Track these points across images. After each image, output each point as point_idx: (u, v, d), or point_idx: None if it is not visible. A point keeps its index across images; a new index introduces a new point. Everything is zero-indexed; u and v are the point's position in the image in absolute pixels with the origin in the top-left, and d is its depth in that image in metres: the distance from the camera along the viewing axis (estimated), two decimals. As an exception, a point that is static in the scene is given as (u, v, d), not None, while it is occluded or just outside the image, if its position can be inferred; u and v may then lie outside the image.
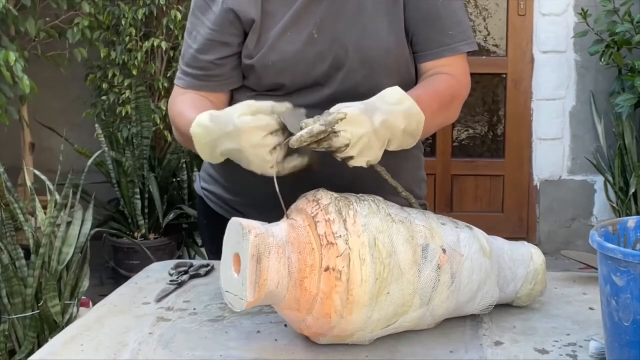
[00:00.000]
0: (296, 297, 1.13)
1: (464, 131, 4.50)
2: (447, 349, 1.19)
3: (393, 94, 1.27)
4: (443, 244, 1.21)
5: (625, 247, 1.11)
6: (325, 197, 1.18)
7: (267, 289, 1.11)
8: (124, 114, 3.70)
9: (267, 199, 1.24)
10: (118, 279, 3.53)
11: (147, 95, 3.71)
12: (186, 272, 1.51)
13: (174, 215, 3.74)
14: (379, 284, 1.13)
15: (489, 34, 4.41)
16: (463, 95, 1.48)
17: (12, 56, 3.04)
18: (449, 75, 1.45)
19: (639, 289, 0.97)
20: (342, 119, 1.18)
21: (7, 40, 3.27)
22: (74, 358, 1.18)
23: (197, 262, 1.57)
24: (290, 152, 1.22)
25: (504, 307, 1.33)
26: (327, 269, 1.12)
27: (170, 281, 1.48)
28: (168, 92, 3.62)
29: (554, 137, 4.31)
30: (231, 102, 1.49)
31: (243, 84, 1.48)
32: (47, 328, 2.62)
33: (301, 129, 1.18)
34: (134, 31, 3.68)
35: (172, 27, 3.66)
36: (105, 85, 3.78)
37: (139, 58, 3.66)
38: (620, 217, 3.72)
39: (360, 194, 1.22)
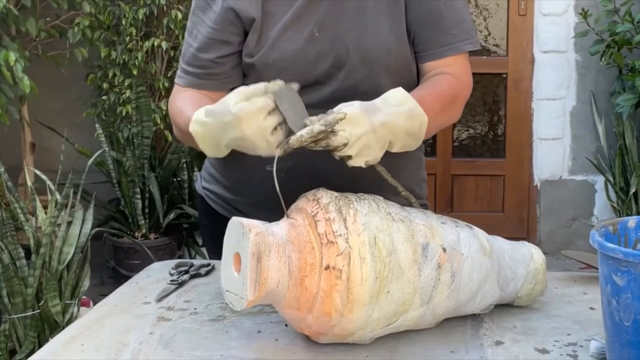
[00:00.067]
0: (296, 296, 1.13)
1: (464, 131, 4.50)
2: (448, 348, 1.19)
3: (396, 95, 1.27)
4: (443, 242, 1.21)
5: (625, 246, 1.11)
6: (325, 196, 1.18)
7: (267, 288, 1.11)
8: (124, 113, 3.70)
9: (268, 198, 1.24)
10: (118, 279, 3.53)
11: (148, 94, 3.71)
12: (186, 272, 1.51)
13: (174, 214, 3.75)
14: (379, 282, 1.13)
15: (489, 34, 4.41)
16: (465, 95, 1.48)
17: (12, 56, 3.04)
18: (451, 75, 1.44)
19: (639, 289, 0.97)
20: (341, 119, 1.18)
21: (8, 39, 3.27)
22: (74, 358, 1.18)
23: (198, 261, 1.57)
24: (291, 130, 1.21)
25: (504, 307, 1.33)
26: (327, 268, 1.12)
27: (171, 281, 1.48)
28: (168, 91, 3.62)
29: (554, 137, 4.31)
30: None
31: (243, 82, 1.48)
32: (47, 328, 2.62)
33: (304, 125, 1.18)
34: (134, 31, 3.68)
35: (172, 26, 3.66)
36: (105, 85, 3.78)
37: (139, 58, 3.66)
38: (620, 216, 3.72)
39: (360, 193, 1.22)
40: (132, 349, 1.20)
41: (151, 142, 3.75)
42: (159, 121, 3.71)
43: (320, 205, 1.16)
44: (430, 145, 4.40)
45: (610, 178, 4.01)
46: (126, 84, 3.72)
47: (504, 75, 4.38)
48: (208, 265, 1.54)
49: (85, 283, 2.72)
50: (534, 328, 1.27)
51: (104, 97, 3.80)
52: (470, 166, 4.47)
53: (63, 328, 1.97)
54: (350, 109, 1.21)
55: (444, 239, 1.22)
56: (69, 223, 2.72)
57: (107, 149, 3.61)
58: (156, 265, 1.61)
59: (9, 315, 2.61)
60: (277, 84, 1.21)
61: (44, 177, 2.85)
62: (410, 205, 1.32)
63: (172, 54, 3.78)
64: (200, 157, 3.77)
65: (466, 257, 1.22)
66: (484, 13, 4.40)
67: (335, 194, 1.19)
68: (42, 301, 2.56)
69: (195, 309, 1.35)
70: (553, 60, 4.26)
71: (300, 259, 1.13)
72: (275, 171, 1.18)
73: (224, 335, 1.24)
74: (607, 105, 4.12)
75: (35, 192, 2.84)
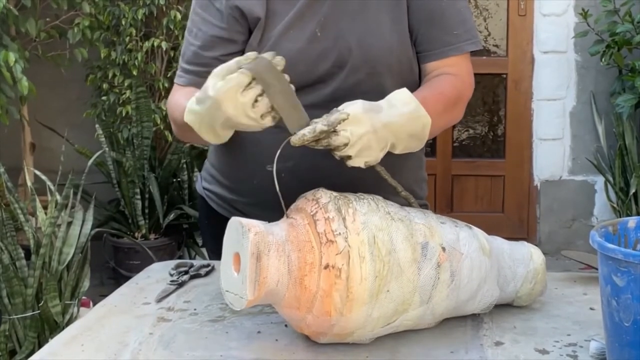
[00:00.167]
0: (296, 295, 1.13)
1: (464, 131, 4.50)
2: (448, 349, 1.19)
3: (399, 96, 1.27)
4: (442, 242, 1.21)
5: (625, 247, 1.11)
6: (324, 195, 1.18)
7: (266, 287, 1.11)
8: (124, 114, 3.70)
9: (268, 198, 1.24)
10: (118, 279, 3.53)
11: (147, 95, 3.71)
12: (186, 272, 1.51)
13: (174, 215, 3.75)
14: (379, 281, 1.13)
15: (489, 34, 4.40)
16: (467, 95, 1.48)
17: (12, 56, 3.04)
18: (453, 75, 1.44)
19: (639, 289, 0.97)
20: (344, 120, 1.18)
21: (8, 40, 3.27)
22: (75, 358, 1.18)
23: (198, 262, 1.57)
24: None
25: (504, 307, 1.33)
26: (326, 267, 1.12)
27: (171, 281, 1.48)
28: (168, 92, 3.58)
29: (554, 137, 4.31)
30: None
31: None
32: (47, 328, 2.62)
33: (304, 125, 1.18)
34: (134, 31, 3.68)
35: (172, 27, 3.66)
36: (105, 85, 3.78)
37: (139, 58, 3.66)
38: (620, 217, 3.72)
39: (359, 193, 1.22)
40: (132, 349, 1.20)
41: (151, 142, 3.75)
42: (159, 121, 3.71)
43: (319, 205, 1.16)
44: (430, 146, 4.40)
45: (610, 178, 4.01)
46: (126, 84, 3.72)
47: (504, 76, 4.38)
48: (208, 265, 1.54)
49: (85, 283, 2.72)
50: (534, 328, 1.27)
51: (104, 98, 3.80)
52: (470, 166, 4.47)
53: (63, 328, 1.97)
54: (353, 108, 1.21)
55: (444, 238, 1.22)
56: (69, 223, 2.72)
57: (107, 149, 3.61)
58: (156, 266, 1.61)
59: (9, 316, 2.61)
60: (249, 57, 1.18)
61: (44, 177, 2.85)
62: (410, 205, 1.32)
63: (172, 54, 3.78)
64: (200, 157, 3.77)
65: (465, 256, 1.23)
66: (484, 13, 4.40)
67: (335, 193, 1.19)
68: (42, 302, 2.56)
69: (195, 309, 1.35)
70: (553, 61, 4.25)
71: (299, 258, 1.13)
72: (275, 171, 1.18)
73: (224, 335, 1.24)
74: (607, 105, 4.12)
75: (35, 192, 2.84)
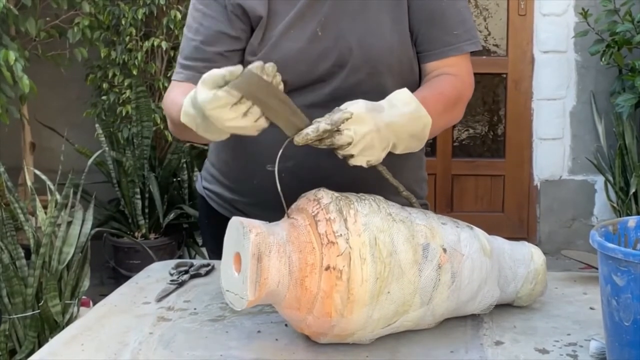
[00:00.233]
0: (297, 296, 1.13)
1: (464, 131, 4.50)
2: (448, 348, 1.19)
3: (400, 96, 1.27)
4: (443, 243, 1.21)
5: (625, 246, 1.11)
6: (325, 196, 1.18)
7: (267, 288, 1.11)
8: (124, 113, 3.70)
9: (268, 198, 1.24)
10: (118, 279, 3.53)
11: (147, 95, 3.71)
12: (186, 272, 1.51)
13: (174, 214, 3.75)
14: (380, 283, 1.13)
15: (489, 34, 4.40)
16: (467, 95, 1.48)
17: (12, 55, 3.04)
18: (453, 75, 1.44)
19: (639, 289, 0.97)
20: (347, 119, 1.18)
21: (8, 39, 3.27)
22: (75, 358, 1.18)
23: (198, 261, 1.57)
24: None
25: (504, 307, 1.33)
26: (327, 268, 1.12)
27: (171, 281, 1.48)
28: (168, 91, 3.61)
29: (554, 137, 4.31)
30: None
31: None
32: (47, 328, 2.62)
33: (298, 121, 1.17)
34: (134, 31, 3.68)
35: (172, 26, 3.66)
36: (105, 85, 3.78)
37: (139, 58, 3.66)
38: (620, 216, 3.72)
39: (361, 193, 1.22)
40: (132, 349, 1.20)
41: (151, 142, 3.75)
42: (159, 121, 3.71)
43: (321, 206, 1.16)
44: (430, 145, 4.40)
45: (610, 178, 4.01)
46: (126, 84, 3.72)
47: (504, 75, 4.38)
48: (208, 265, 1.54)
49: (85, 283, 2.72)
50: (534, 328, 1.27)
51: (104, 97, 3.80)
52: (470, 166, 4.47)
53: (63, 328, 1.97)
54: (355, 107, 1.21)
55: (445, 239, 1.21)
56: (69, 223, 2.72)
57: (107, 149, 3.61)
58: (156, 265, 1.61)
59: (9, 315, 2.62)
60: (234, 72, 1.11)
61: (44, 177, 2.85)
62: (411, 205, 1.31)
63: (172, 54, 3.78)
64: (200, 157, 3.77)
65: (466, 257, 1.22)
66: (484, 13, 4.40)
67: (336, 194, 1.19)
68: (42, 301, 2.56)
69: (195, 309, 1.35)
70: (553, 60, 4.25)
71: (300, 259, 1.13)
72: (276, 171, 1.18)
73: (224, 335, 1.24)
74: (607, 105, 4.12)
75: (35, 192, 2.84)
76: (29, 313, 2.60)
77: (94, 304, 2.90)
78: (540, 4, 4.23)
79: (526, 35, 4.30)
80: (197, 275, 1.50)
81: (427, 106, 1.28)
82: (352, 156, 1.21)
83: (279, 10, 1.41)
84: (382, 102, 1.26)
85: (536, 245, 1.40)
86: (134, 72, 3.67)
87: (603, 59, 3.81)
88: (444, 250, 1.20)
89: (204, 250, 2.57)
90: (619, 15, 3.82)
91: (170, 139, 3.79)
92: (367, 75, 1.42)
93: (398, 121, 1.24)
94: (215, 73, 1.12)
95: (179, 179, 3.85)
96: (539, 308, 1.35)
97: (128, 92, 3.69)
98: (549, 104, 4.29)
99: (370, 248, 1.13)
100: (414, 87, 1.39)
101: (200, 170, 1.69)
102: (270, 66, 1.13)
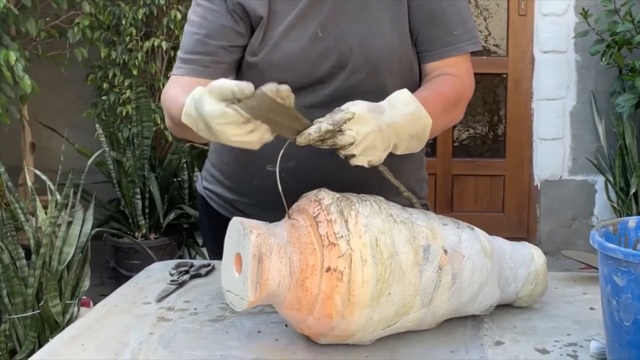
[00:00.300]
0: (297, 297, 1.13)
1: (465, 131, 4.50)
2: (448, 348, 1.19)
3: (400, 97, 1.27)
4: (444, 244, 1.21)
5: (625, 247, 1.11)
6: (326, 197, 1.18)
7: (268, 289, 1.11)
8: (124, 113, 3.70)
9: (269, 198, 1.24)
10: (118, 279, 3.53)
11: (148, 95, 3.71)
12: (187, 272, 1.51)
13: (175, 215, 3.75)
14: (380, 284, 1.13)
15: (489, 34, 4.41)
16: (467, 96, 1.48)
17: (13, 55, 3.04)
18: (453, 76, 1.44)
19: (639, 289, 0.97)
20: (349, 119, 1.18)
21: (8, 39, 3.27)
22: (75, 358, 1.18)
23: (198, 261, 1.57)
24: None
25: (505, 307, 1.33)
26: (328, 269, 1.12)
27: (171, 281, 1.48)
28: (168, 91, 3.61)
29: (554, 137, 4.31)
30: None
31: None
32: (47, 328, 2.62)
33: (303, 129, 1.17)
34: (134, 31, 3.68)
35: (172, 26, 3.66)
36: (105, 85, 3.78)
37: (139, 58, 3.66)
38: (620, 217, 3.72)
39: (362, 194, 1.22)
40: (132, 349, 1.20)
41: (151, 142, 3.75)
42: (159, 121, 3.71)
43: (322, 207, 1.16)
44: (430, 146, 4.40)
45: (610, 178, 4.01)
46: (126, 84, 3.72)
47: (504, 76, 4.38)
48: (208, 265, 1.54)
49: (86, 283, 2.72)
50: (534, 328, 1.27)
51: (104, 97, 3.80)
52: (470, 166, 4.47)
53: (63, 328, 1.97)
54: (357, 107, 1.20)
55: (445, 240, 1.21)
56: (69, 223, 2.72)
57: (107, 149, 3.61)
58: (156, 266, 1.61)
59: (9, 316, 2.61)
60: (246, 92, 1.07)
61: (44, 177, 2.85)
62: (412, 205, 1.31)
63: (172, 54, 3.78)
64: (200, 157, 3.77)
65: (467, 258, 1.22)
66: (484, 13, 4.40)
67: (337, 194, 1.19)
68: (42, 301, 2.56)
69: (195, 309, 1.35)
70: (553, 60, 4.25)
71: (301, 261, 1.13)
72: (277, 171, 1.18)
73: (224, 335, 1.24)
74: (607, 105, 4.12)
75: (35, 192, 2.84)
76: (29, 313, 2.60)
77: (94, 304, 2.90)
78: (540, 4, 4.23)
79: (526, 35, 4.30)
80: (197, 276, 1.50)
81: (428, 107, 1.28)
82: (353, 156, 1.21)
83: (280, 11, 1.41)
84: (382, 102, 1.26)
85: (536, 245, 1.40)
86: (134, 72, 3.68)
87: (603, 59, 3.81)
88: (445, 251, 1.20)
89: (204, 250, 2.57)
90: (619, 16, 3.82)
91: (170, 139, 3.79)
92: (367, 75, 1.42)
93: (399, 122, 1.24)
94: (223, 85, 1.09)
95: (179, 179, 3.85)
96: (539, 308, 1.35)
97: (128, 92, 3.69)
98: (549, 104, 4.29)
99: (371, 249, 1.13)
100: (414, 87, 1.39)
101: (200, 170, 1.69)
102: (285, 89, 1.09)
